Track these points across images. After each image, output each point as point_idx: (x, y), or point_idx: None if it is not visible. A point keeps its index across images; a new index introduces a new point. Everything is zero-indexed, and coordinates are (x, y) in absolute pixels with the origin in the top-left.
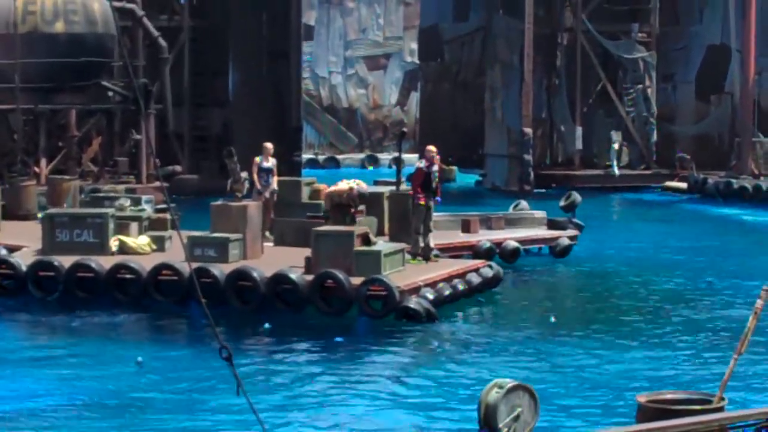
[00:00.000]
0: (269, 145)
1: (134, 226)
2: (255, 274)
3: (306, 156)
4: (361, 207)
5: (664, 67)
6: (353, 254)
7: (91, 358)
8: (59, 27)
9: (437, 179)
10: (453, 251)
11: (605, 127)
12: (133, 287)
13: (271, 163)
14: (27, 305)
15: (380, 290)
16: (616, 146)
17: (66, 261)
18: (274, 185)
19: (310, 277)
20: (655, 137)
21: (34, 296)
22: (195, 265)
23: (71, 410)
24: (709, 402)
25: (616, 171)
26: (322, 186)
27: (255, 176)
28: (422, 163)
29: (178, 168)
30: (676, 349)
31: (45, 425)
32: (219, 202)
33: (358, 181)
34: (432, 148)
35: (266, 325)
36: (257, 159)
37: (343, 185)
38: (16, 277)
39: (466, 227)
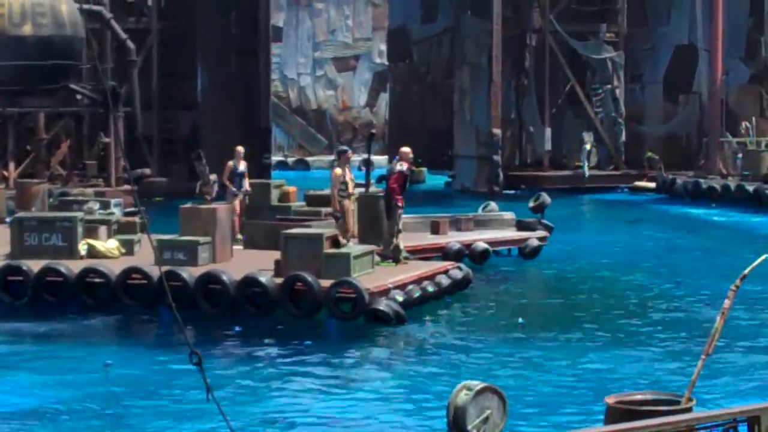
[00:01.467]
0: (241, 149)
1: (103, 230)
2: (224, 278)
3: (275, 158)
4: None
5: (632, 67)
6: (323, 257)
7: (60, 362)
8: (27, 29)
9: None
10: (422, 253)
11: (574, 128)
12: (102, 291)
13: (243, 166)
14: None
15: (349, 292)
16: (588, 147)
17: (35, 265)
18: (247, 187)
19: (279, 280)
20: (623, 137)
21: (2, 301)
22: (164, 268)
23: (40, 415)
24: (678, 403)
25: (587, 172)
26: (291, 188)
27: (227, 180)
28: (403, 166)
29: (147, 171)
30: (645, 350)
31: (13, 430)
32: (188, 205)
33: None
34: (408, 149)
35: (236, 329)
36: (230, 163)
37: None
38: None
39: (435, 229)
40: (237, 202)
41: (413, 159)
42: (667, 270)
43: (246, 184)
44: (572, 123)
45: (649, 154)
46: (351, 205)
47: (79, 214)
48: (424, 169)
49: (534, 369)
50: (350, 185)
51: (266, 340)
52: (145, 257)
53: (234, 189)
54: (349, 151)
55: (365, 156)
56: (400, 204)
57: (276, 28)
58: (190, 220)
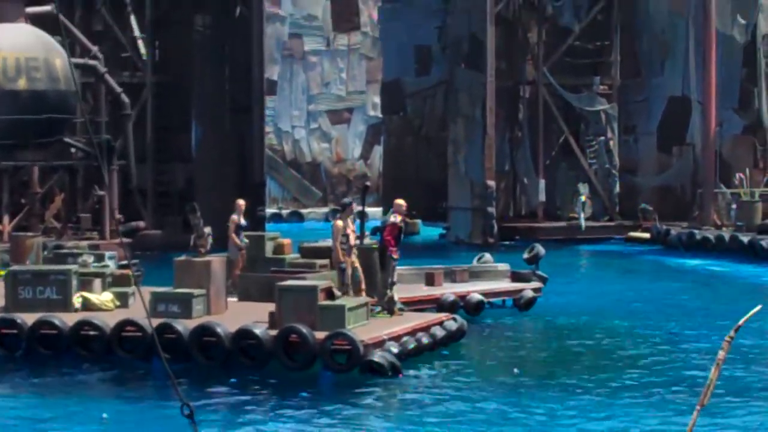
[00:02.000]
0: (242, 202)
1: (98, 283)
2: (219, 330)
3: (270, 211)
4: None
5: (626, 119)
6: (317, 308)
7: (55, 415)
8: (22, 84)
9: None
10: (417, 305)
11: (568, 180)
12: (96, 344)
13: (243, 220)
14: None
15: (344, 344)
16: (583, 198)
17: (29, 318)
18: (245, 240)
19: (274, 332)
20: (617, 189)
21: None
22: (158, 321)
23: None
24: None
25: (583, 223)
26: (285, 241)
27: (233, 234)
28: (396, 218)
29: (141, 224)
30: (641, 401)
31: None
32: (182, 258)
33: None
34: (402, 201)
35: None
36: (234, 217)
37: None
38: None
39: (430, 280)
40: (243, 255)
41: (407, 211)
42: (662, 321)
43: (243, 238)
44: (566, 174)
45: (644, 205)
46: (351, 259)
47: (74, 267)
48: (419, 221)
49: (529, 420)
50: (351, 237)
51: (261, 393)
52: (139, 310)
53: (239, 244)
54: (353, 204)
55: (359, 208)
56: (394, 256)
57: (270, 81)
58: (184, 272)
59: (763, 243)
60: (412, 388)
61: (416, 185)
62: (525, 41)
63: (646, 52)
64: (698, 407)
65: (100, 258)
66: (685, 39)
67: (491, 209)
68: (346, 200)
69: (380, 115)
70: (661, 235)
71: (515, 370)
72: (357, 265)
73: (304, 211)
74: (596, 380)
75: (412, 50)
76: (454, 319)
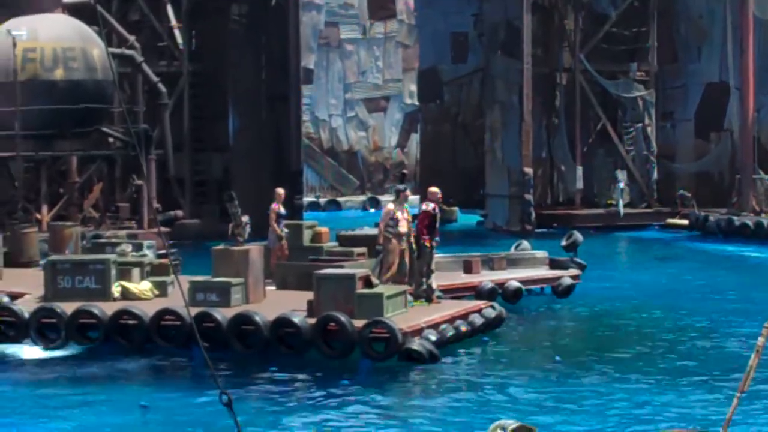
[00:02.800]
0: (282, 191)
1: (136, 272)
2: (257, 318)
3: (307, 199)
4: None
5: (663, 105)
6: (355, 297)
7: (95, 404)
8: (59, 74)
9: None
10: (455, 292)
11: (606, 166)
12: (136, 333)
13: (282, 208)
14: (30, 353)
15: (383, 332)
16: (621, 185)
17: (68, 307)
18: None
19: (312, 321)
20: (655, 175)
21: (36, 343)
22: (197, 310)
23: None
24: None
25: (622, 210)
26: (323, 229)
27: (274, 223)
28: (429, 206)
29: (179, 213)
30: (679, 388)
31: None
32: (220, 247)
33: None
34: (436, 189)
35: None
36: (275, 206)
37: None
38: (19, 324)
39: (468, 268)
40: (285, 245)
41: (443, 199)
42: (701, 307)
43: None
44: (604, 161)
45: (682, 191)
46: (399, 246)
47: (112, 257)
48: (456, 209)
49: (569, 407)
50: (402, 224)
51: (299, 381)
52: (178, 298)
53: (280, 233)
54: (407, 190)
55: (393, 198)
56: (427, 244)
57: (307, 69)
58: (222, 261)
59: None
60: (450, 376)
61: (453, 173)
62: (562, 28)
63: (683, 38)
64: (738, 394)
65: (138, 247)
66: (723, 24)
67: (529, 196)
68: (401, 186)
69: (417, 103)
70: (699, 222)
71: (556, 358)
72: (406, 253)
73: (341, 199)
74: (636, 367)
75: (448, 38)
76: (493, 307)
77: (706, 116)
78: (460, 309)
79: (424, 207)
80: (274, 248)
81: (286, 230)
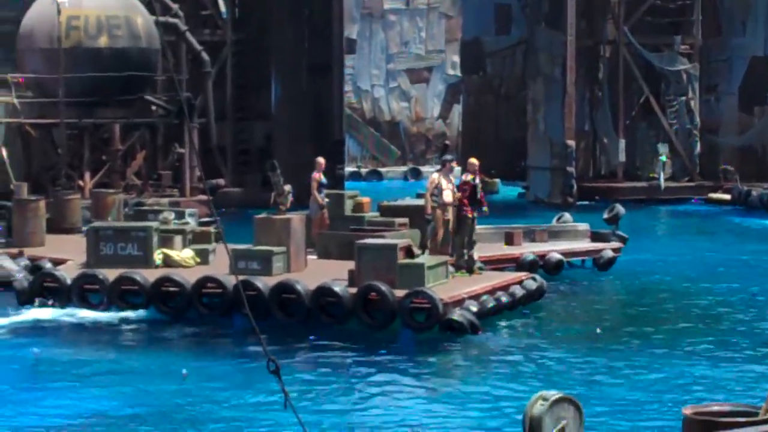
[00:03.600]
0: (322, 160)
1: (178, 240)
2: (299, 287)
3: (348, 169)
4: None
5: (707, 78)
6: (397, 267)
7: (136, 371)
8: (103, 42)
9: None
10: (496, 264)
11: (648, 140)
12: (177, 300)
13: (323, 178)
14: (72, 319)
15: (424, 303)
16: (664, 158)
17: (111, 274)
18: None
19: (353, 290)
20: (698, 149)
21: (79, 310)
22: (239, 277)
23: (117, 424)
24: (755, 415)
25: (663, 183)
26: (364, 199)
27: (315, 192)
28: (468, 177)
29: (221, 181)
30: (721, 362)
31: None
32: (262, 215)
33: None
34: (474, 160)
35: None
36: (317, 175)
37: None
38: (61, 290)
39: (509, 240)
40: (325, 214)
41: (485, 171)
42: (743, 282)
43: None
44: (646, 134)
45: (725, 165)
46: (443, 215)
47: (155, 224)
48: (498, 181)
49: (610, 379)
50: (446, 194)
51: (340, 350)
52: (219, 266)
53: (322, 202)
54: (454, 161)
55: (438, 167)
56: (469, 215)
57: (349, 39)
58: (264, 230)
59: None
60: (491, 346)
61: (495, 145)
62: (605, 0)
63: (728, 11)
64: None
65: (180, 215)
66: None
67: (571, 169)
68: (448, 157)
69: (459, 75)
70: (742, 196)
71: (597, 330)
72: (450, 223)
73: (382, 169)
74: (677, 340)
75: (491, 9)
76: (534, 279)
77: (750, 90)
78: (501, 280)
79: (464, 178)
80: (315, 217)
81: (327, 199)
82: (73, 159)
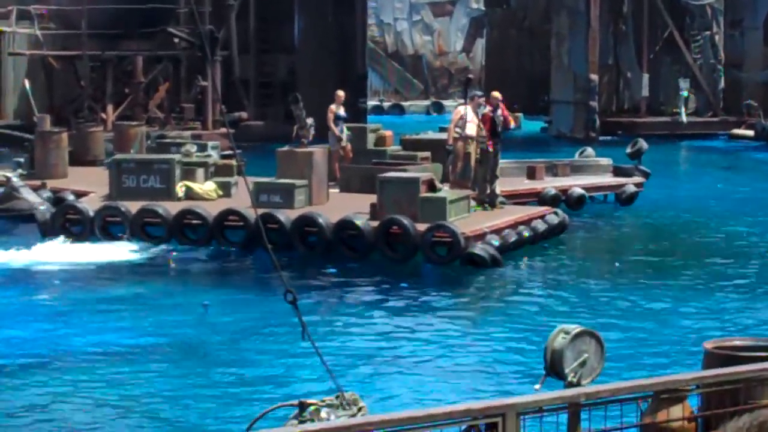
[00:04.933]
0: (342, 93)
1: (200, 172)
2: (320, 220)
3: (371, 103)
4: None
5: (732, 13)
6: (418, 200)
7: (157, 302)
8: None
9: (503, 122)
10: (518, 198)
11: (672, 74)
12: (199, 232)
13: (342, 110)
14: (95, 250)
15: (445, 236)
16: (685, 93)
17: (133, 206)
18: (346, 131)
19: (375, 224)
20: (722, 84)
21: (102, 241)
22: (261, 211)
23: (137, 354)
24: None
25: (684, 118)
26: (387, 132)
27: (332, 124)
28: (487, 109)
29: (243, 114)
30: (742, 296)
31: (111, 371)
32: (285, 148)
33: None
34: (497, 94)
35: (332, 271)
36: (333, 107)
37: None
38: (84, 222)
39: (531, 174)
40: (348, 147)
41: (508, 104)
42: (764, 218)
43: (344, 129)
44: (670, 69)
45: (749, 101)
46: (464, 148)
47: (177, 157)
48: (520, 115)
49: (631, 313)
50: (469, 127)
51: (361, 283)
52: (241, 199)
53: (338, 134)
54: (481, 97)
55: (461, 101)
56: (491, 149)
57: None
58: (286, 163)
59: None
60: (512, 281)
61: (519, 78)
62: None
63: None
64: None
65: (203, 148)
66: None
67: (594, 103)
68: (477, 92)
69: (483, 8)
70: (765, 132)
71: (616, 264)
72: (472, 157)
73: (405, 103)
74: (697, 275)
75: None
76: (556, 213)
77: None
78: (523, 215)
79: (484, 111)
80: (335, 150)
81: (348, 132)
82: (96, 91)
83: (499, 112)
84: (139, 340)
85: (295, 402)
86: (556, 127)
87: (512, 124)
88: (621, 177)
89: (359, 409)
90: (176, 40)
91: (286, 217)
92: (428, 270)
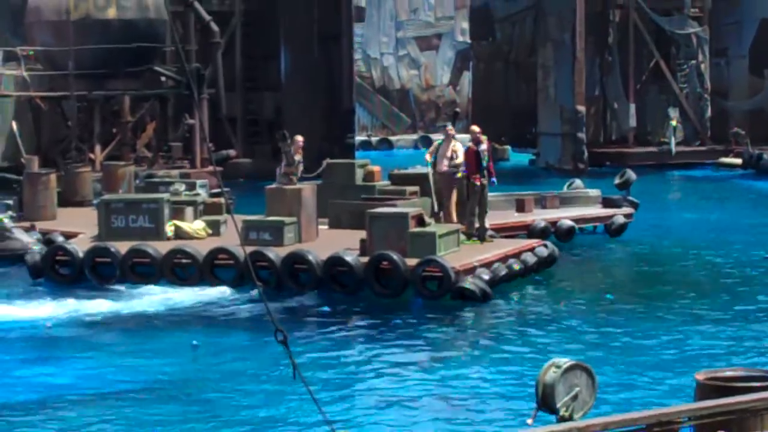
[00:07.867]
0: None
1: (189, 211)
2: (310, 257)
3: (359, 138)
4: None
5: (717, 41)
6: (408, 235)
7: (147, 343)
8: (111, 13)
9: (488, 159)
10: (508, 231)
11: (659, 104)
12: (189, 271)
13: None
14: (84, 291)
15: (436, 271)
16: (674, 123)
17: (122, 247)
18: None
19: (365, 259)
20: (709, 113)
21: (91, 282)
22: (250, 248)
23: (127, 396)
24: None
25: (674, 148)
26: (375, 168)
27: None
28: (473, 145)
29: (232, 152)
30: (733, 327)
31: (100, 412)
32: (273, 186)
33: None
34: (475, 128)
35: (323, 308)
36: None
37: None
38: (73, 263)
39: (520, 207)
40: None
41: (495, 137)
42: (753, 246)
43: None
44: (657, 99)
45: (736, 129)
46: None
47: (166, 196)
48: (508, 147)
49: (622, 345)
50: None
51: (353, 319)
52: (231, 238)
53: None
54: (451, 128)
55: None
56: (477, 182)
57: (358, 8)
58: (275, 200)
59: None
60: (503, 314)
61: (505, 111)
62: None
63: None
64: None
65: (191, 186)
66: None
67: (581, 135)
68: (447, 124)
69: (469, 41)
70: (753, 160)
71: (608, 296)
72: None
73: (393, 138)
74: (689, 306)
75: None
76: (545, 245)
77: (760, 53)
78: (512, 248)
79: (469, 146)
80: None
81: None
82: (83, 132)
83: (483, 146)
84: (128, 382)
85: None
86: (544, 159)
87: (493, 177)
88: (610, 208)
89: None
90: (163, 78)
91: (276, 255)
92: (419, 305)
